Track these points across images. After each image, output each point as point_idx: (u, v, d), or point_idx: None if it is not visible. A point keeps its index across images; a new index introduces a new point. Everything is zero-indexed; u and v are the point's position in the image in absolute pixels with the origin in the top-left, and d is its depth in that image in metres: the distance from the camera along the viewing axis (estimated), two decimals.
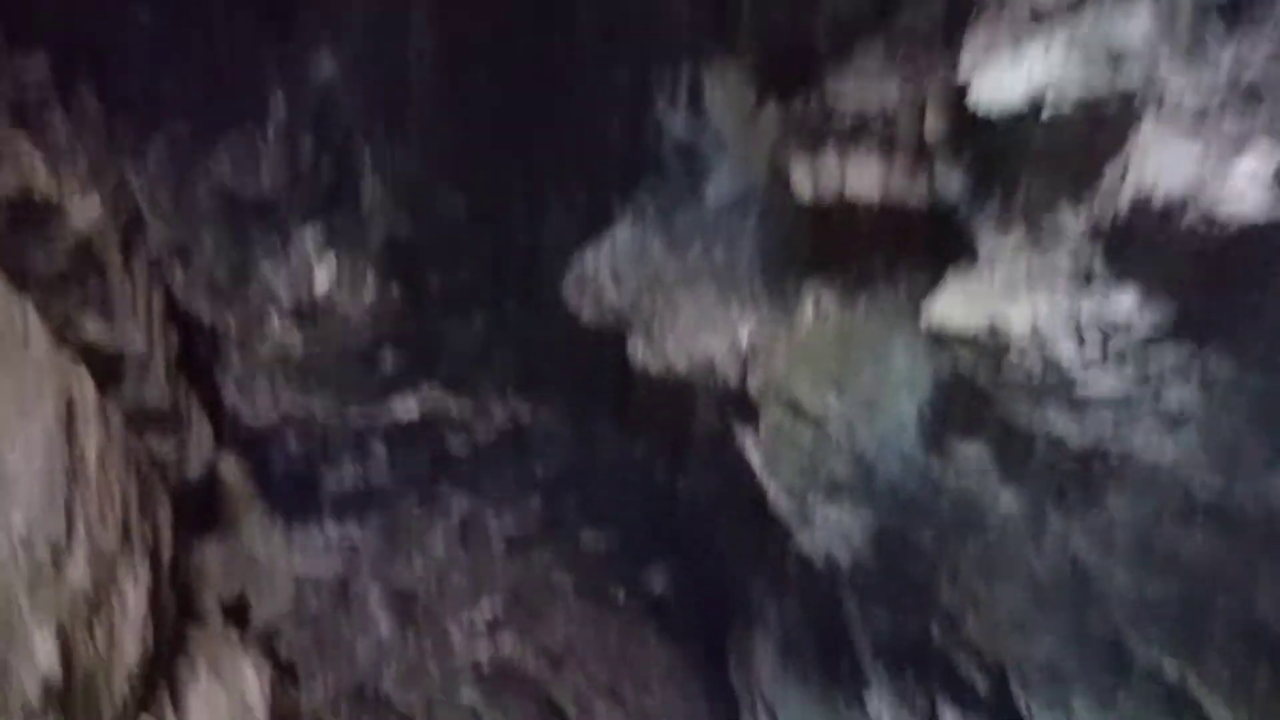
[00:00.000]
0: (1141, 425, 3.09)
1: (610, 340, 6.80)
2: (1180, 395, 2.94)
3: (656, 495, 7.70)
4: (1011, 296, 3.21)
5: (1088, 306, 2.95)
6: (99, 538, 5.94)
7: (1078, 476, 3.53)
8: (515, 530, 8.47)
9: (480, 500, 8.46)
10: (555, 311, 6.61)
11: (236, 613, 9.60)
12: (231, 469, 9.29)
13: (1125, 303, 2.88)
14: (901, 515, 4.51)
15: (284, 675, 10.09)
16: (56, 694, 5.15)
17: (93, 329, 6.74)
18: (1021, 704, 4.39)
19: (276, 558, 9.46)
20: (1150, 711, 3.94)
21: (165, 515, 7.59)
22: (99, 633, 5.78)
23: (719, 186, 5.35)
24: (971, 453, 3.93)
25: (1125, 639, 3.81)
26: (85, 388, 6.39)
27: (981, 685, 4.70)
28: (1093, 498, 3.54)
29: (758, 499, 6.36)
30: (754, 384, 4.86)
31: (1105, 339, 2.93)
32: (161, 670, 7.01)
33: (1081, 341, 2.98)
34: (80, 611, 5.54)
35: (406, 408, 7.61)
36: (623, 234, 5.65)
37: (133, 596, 6.30)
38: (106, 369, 6.88)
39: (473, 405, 7.59)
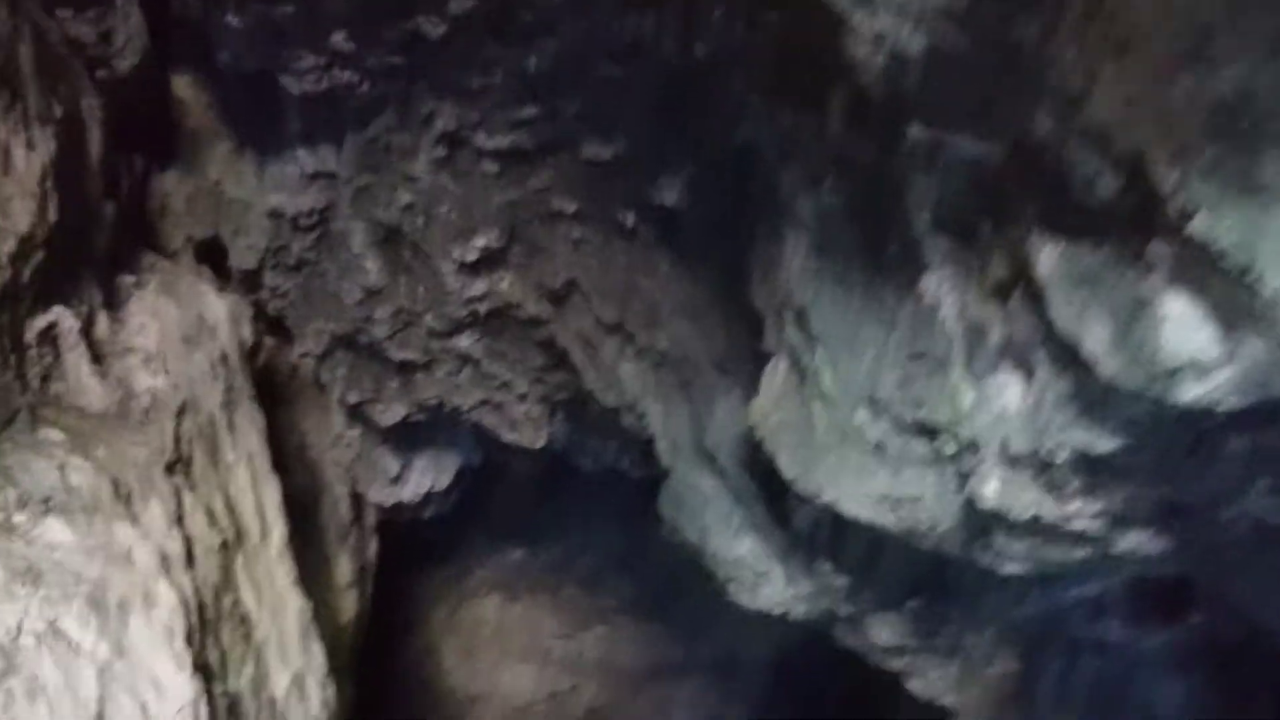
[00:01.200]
0: None
1: None
2: None
3: (669, 82, 6.09)
4: None
5: None
6: None
7: None
8: (508, 146, 6.93)
9: (466, 109, 6.88)
10: None
11: (214, 261, 8.36)
12: (186, 89, 7.76)
13: None
14: None
15: (274, 331, 9.00)
16: None
17: None
18: (1170, 191, 2.96)
19: (249, 194, 8.04)
20: None
21: (91, 106, 6.13)
22: None
23: None
24: None
25: None
26: None
27: (1105, 187, 3.24)
28: None
29: (795, 30, 4.75)
30: None
31: None
32: (93, 273, 5.75)
33: None
34: None
35: None
36: None
37: (23, 160, 4.89)
38: None
39: None
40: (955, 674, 7.14)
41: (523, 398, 8.47)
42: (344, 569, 9.20)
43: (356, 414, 9.17)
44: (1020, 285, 3.96)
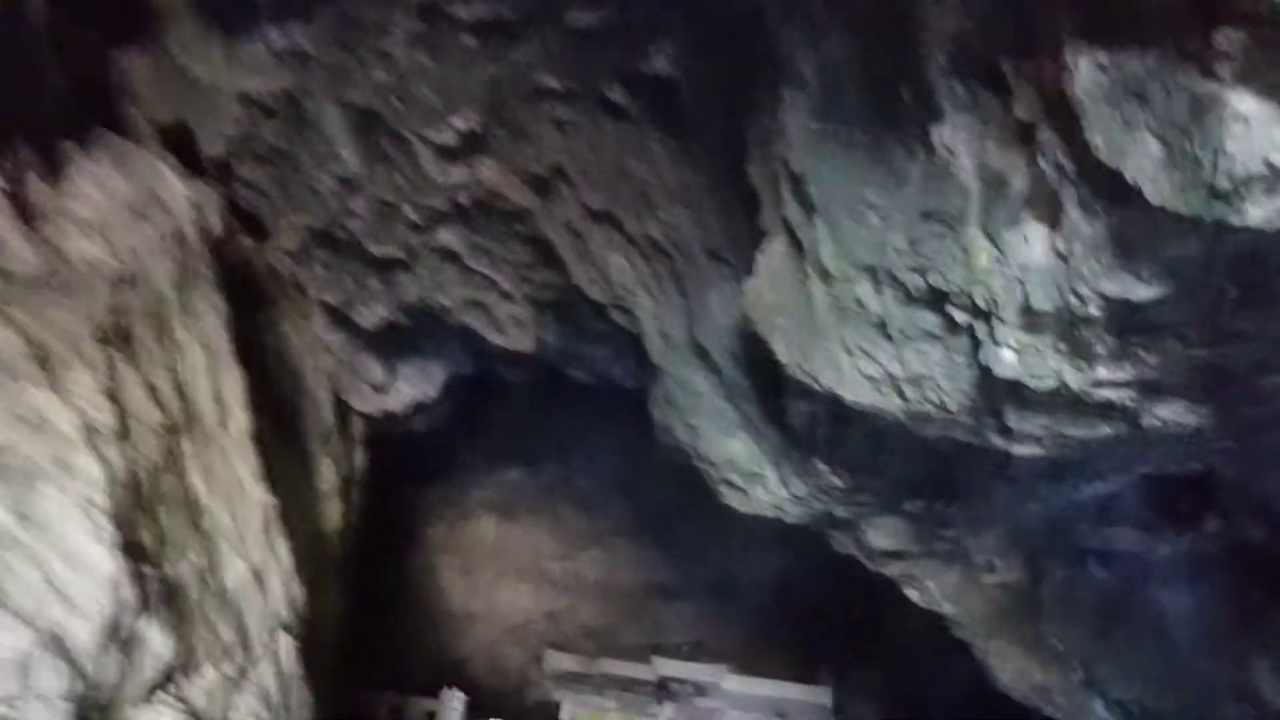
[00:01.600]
0: None
1: None
2: None
3: None
4: None
5: None
6: None
7: None
8: (487, 16, 6.29)
9: None
10: None
11: (183, 152, 7.75)
12: None
13: None
14: None
15: (252, 231, 8.44)
16: None
17: None
18: None
19: (216, 76, 7.41)
20: None
21: None
22: None
23: None
24: None
25: None
26: None
27: None
28: None
29: None
30: None
31: None
32: (32, 140, 5.18)
33: None
34: None
35: None
36: None
37: None
38: None
39: None
40: (955, 581, 6.70)
41: (508, 296, 7.92)
42: (327, 475, 8.76)
43: (338, 316, 8.64)
44: (1048, 120, 3.39)
